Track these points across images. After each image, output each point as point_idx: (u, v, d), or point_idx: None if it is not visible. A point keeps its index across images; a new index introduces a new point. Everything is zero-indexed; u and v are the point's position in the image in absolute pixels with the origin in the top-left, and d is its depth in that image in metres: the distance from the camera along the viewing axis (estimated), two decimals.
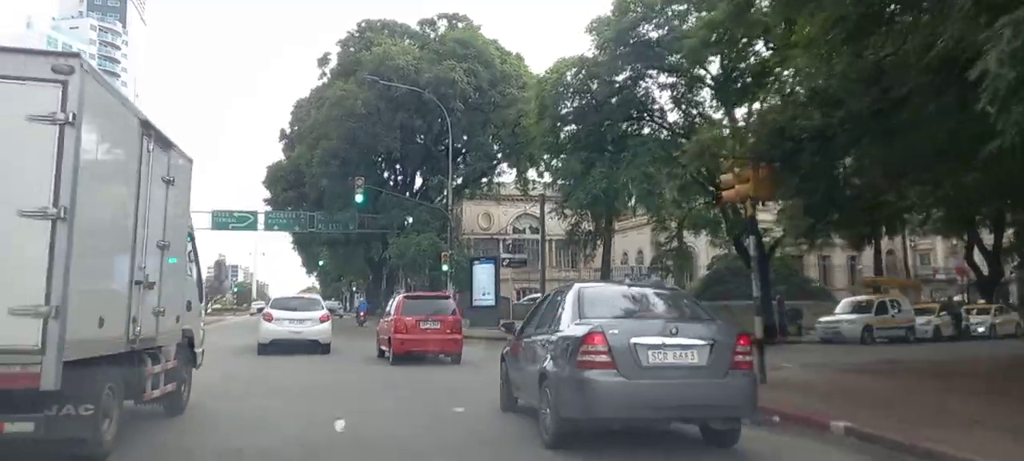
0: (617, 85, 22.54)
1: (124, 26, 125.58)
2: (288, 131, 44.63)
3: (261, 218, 39.94)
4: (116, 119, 5.59)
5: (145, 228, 6.19)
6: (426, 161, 40.40)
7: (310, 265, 69.85)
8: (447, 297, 18.90)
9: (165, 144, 6.74)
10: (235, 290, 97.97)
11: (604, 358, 5.57)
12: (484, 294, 31.13)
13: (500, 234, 58.11)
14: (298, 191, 41.01)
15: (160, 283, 6.60)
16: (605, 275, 38.47)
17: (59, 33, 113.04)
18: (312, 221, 39.26)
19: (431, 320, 15.45)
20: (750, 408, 6.02)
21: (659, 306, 6.86)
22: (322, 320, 17.94)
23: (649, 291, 7.22)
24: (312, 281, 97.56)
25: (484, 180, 42.42)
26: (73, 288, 4.67)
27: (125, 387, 6.04)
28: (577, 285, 7.20)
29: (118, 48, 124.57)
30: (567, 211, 27.33)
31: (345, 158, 35.98)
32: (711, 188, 20.80)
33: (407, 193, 40.51)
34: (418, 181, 42.94)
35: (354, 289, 69.72)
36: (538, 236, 49.32)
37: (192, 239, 8.31)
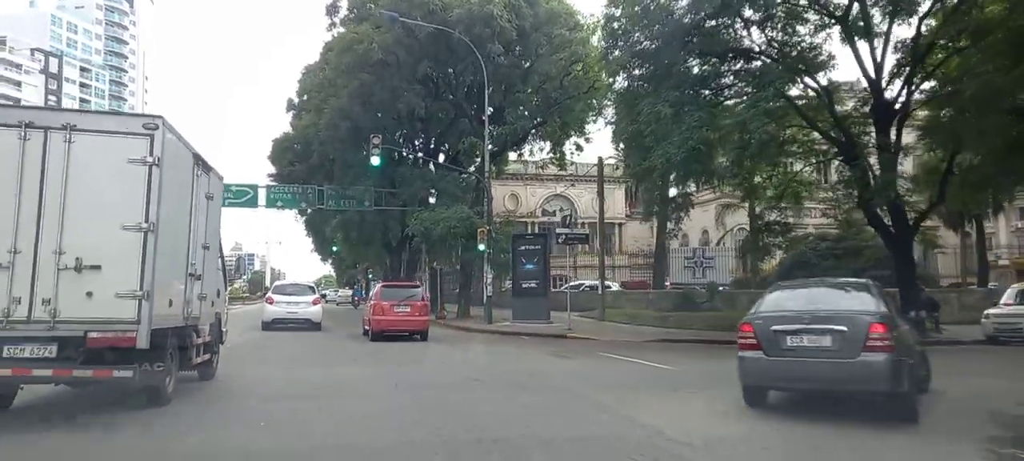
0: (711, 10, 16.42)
1: (131, 4, 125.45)
2: (296, 100, 38.47)
3: (262, 193, 34.60)
4: (180, 157, 7.70)
5: (195, 233, 8.31)
6: (455, 123, 33.27)
7: (324, 251, 64.13)
8: (417, 286, 22.66)
9: (207, 168, 8.85)
10: (247, 278, 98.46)
11: (752, 341, 7.49)
12: (530, 282, 24.87)
13: (529, 217, 53.22)
14: (306, 165, 35.68)
15: (203, 275, 8.73)
16: (660, 260, 34.15)
17: (64, 12, 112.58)
18: (321, 196, 34.19)
19: (403, 305, 18.45)
20: (889, 386, 6.87)
21: (822, 298, 8.07)
22: (314, 303, 22.36)
23: (823, 288, 8.66)
24: (327, 269, 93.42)
25: (524, 149, 35.61)
26: (156, 279, 6.78)
27: (180, 353, 8.16)
28: (776, 285, 9.84)
29: (125, 28, 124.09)
30: (628, 178, 23.85)
31: (357, 121, 29.73)
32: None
33: (430, 163, 34.11)
34: (442, 155, 35.51)
35: (370, 276, 62.90)
36: (566, 223, 44.51)
37: (220, 240, 10.43)
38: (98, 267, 6.61)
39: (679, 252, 35.76)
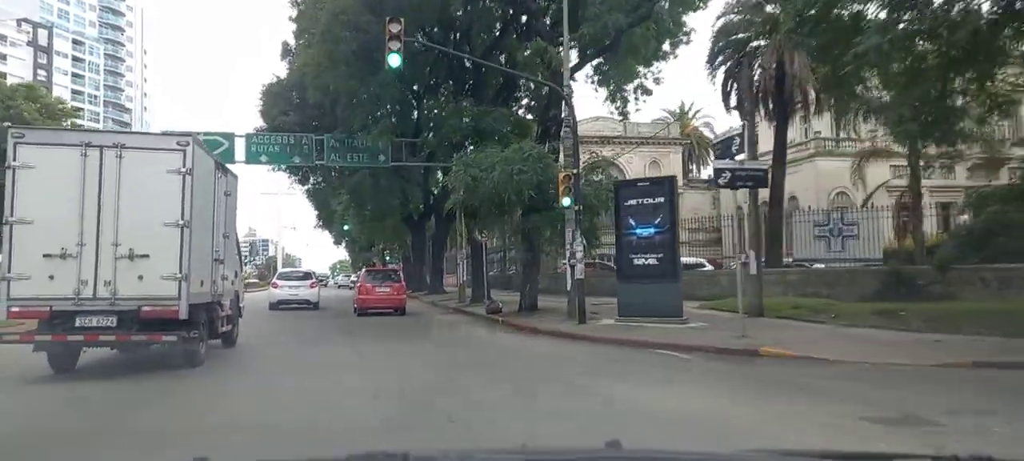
0: None
1: None
2: (292, 44, 28.82)
3: (240, 144, 25.91)
4: (206, 165, 9.58)
5: (217, 225, 10.19)
6: (510, 26, 24.08)
7: (332, 227, 56.77)
8: (396, 270, 27.15)
9: (225, 171, 10.77)
10: (259, 262, 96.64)
11: None
12: (647, 256, 15.48)
13: None
14: (302, 115, 28.10)
15: (224, 259, 10.63)
16: (773, 232, 23.16)
17: None
18: (319, 148, 25.84)
19: (384, 286, 22.68)
20: None
21: None
22: (311, 287, 26.82)
23: None
24: (341, 253, 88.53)
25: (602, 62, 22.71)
26: (191, 264, 8.67)
27: (209, 324, 10.07)
28: None
29: None
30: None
31: (368, 32, 19.52)
32: None
33: (467, 97, 25.41)
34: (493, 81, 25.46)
35: (387, 258, 54.94)
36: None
37: (236, 230, 12.33)
38: (147, 256, 8.51)
39: (805, 218, 25.84)
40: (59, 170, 8.44)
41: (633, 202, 16.06)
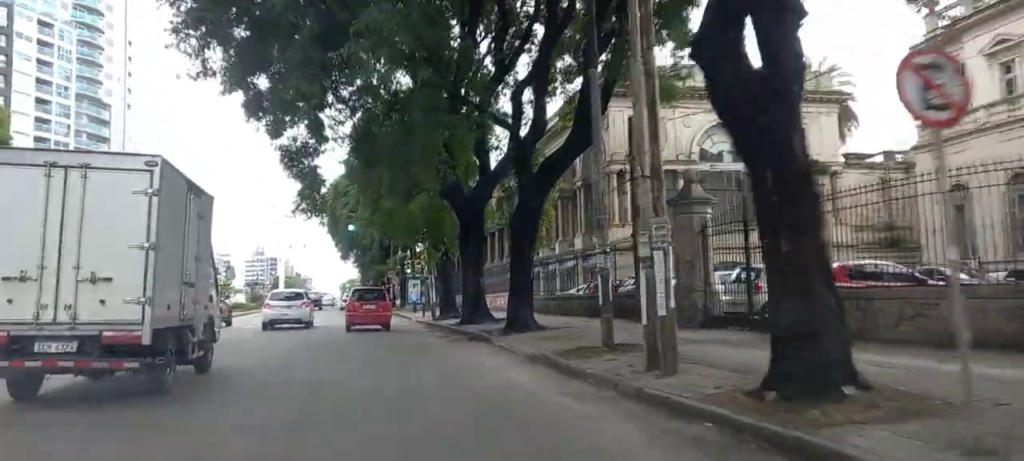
0: None
1: None
2: None
3: None
4: (176, 186, 9.39)
5: (188, 248, 9.99)
6: None
7: (341, 239, 49.15)
8: (382, 289, 30.34)
9: (198, 192, 10.55)
10: (243, 283, 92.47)
11: None
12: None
13: (682, 159, 36.19)
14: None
15: (196, 282, 10.39)
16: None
17: None
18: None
19: (370, 304, 25.43)
20: None
21: None
22: (303, 305, 28.14)
23: None
24: (351, 271, 78.16)
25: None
26: (156, 288, 8.45)
27: (178, 349, 9.81)
28: None
29: None
30: None
31: None
32: None
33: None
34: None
35: (414, 270, 43.11)
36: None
37: (211, 252, 12.08)
38: (110, 279, 8.29)
39: None
40: (21, 191, 8.26)
41: None
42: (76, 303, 8.23)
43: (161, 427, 7.33)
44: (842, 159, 37.70)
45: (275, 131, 19.31)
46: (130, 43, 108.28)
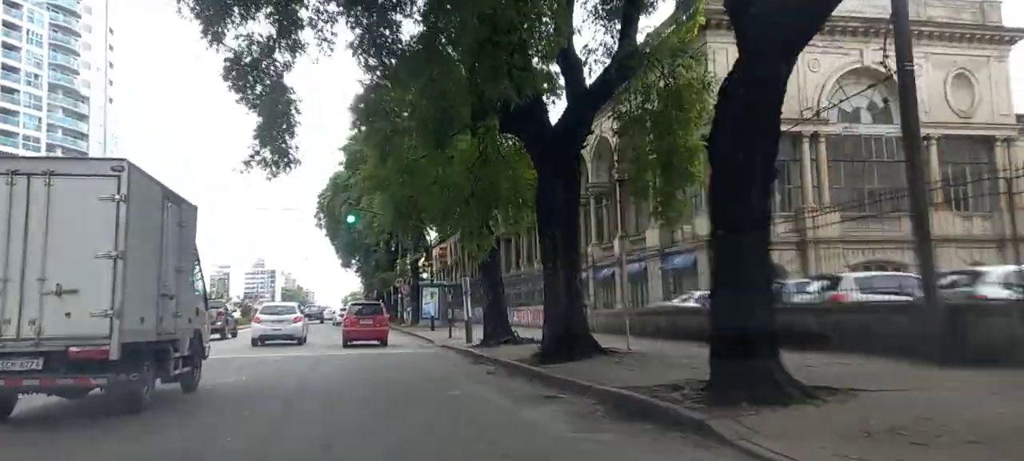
0: None
1: None
2: None
3: None
4: (148, 192, 8.98)
5: (167, 258, 9.55)
6: None
7: (340, 241, 47.06)
8: (378, 304, 30.26)
9: (177, 200, 10.14)
10: (234, 300, 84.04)
11: None
12: None
13: (808, 113, 24.69)
14: None
15: (177, 295, 9.94)
16: None
17: None
18: None
19: (367, 318, 25.30)
20: None
21: None
22: (295, 321, 26.56)
23: None
24: (354, 282, 77.53)
25: None
26: (126, 300, 8.01)
27: (157, 366, 9.35)
28: None
29: None
30: None
31: None
32: None
33: None
34: None
35: (432, 277, 38.22)
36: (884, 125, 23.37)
37: (198, 264, 11.61)
38: (76, 291, 7.87)
39: None
40: None
41: None
42: (41, 317, 7.81)
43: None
44: (1015, 121, 28.21)
45: (215, 25, 11.78)
46: (111, 31, 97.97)
